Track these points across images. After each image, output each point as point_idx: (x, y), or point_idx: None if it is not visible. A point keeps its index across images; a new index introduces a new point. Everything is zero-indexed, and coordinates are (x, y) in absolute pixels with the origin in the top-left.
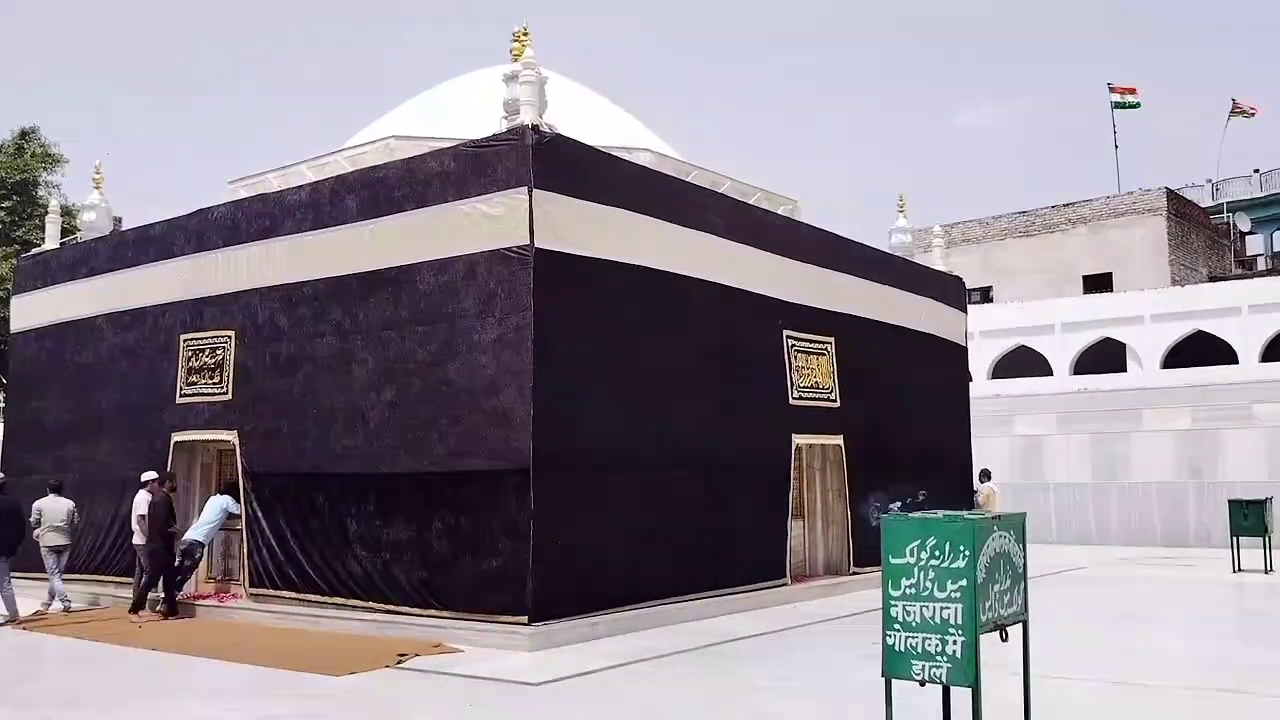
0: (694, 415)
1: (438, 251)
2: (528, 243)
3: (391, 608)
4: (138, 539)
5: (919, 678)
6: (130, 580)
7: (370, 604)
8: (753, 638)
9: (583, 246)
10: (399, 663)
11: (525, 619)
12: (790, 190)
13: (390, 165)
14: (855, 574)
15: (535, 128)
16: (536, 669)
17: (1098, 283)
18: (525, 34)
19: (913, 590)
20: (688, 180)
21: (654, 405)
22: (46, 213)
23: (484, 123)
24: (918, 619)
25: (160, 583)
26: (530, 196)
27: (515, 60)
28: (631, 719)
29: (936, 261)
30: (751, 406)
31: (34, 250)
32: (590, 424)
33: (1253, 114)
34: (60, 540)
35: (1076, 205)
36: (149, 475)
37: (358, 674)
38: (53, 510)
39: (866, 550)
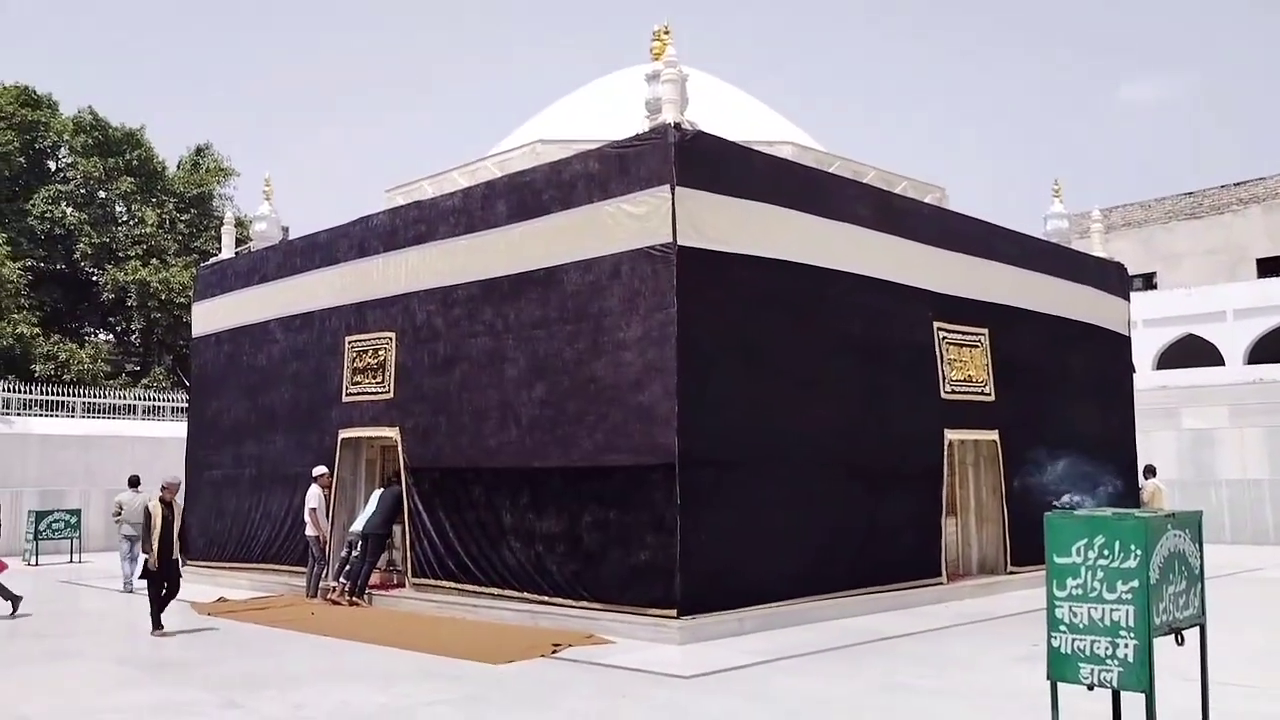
0: (840, 410)
1: (583, 252)
2: (670, 240)
3: (545, 598)
4: (309, 530)
5: (1087, 681)
6: (303, 569)
7: (524, 595)
8: (903, 636)
9: (725, 242)
10: (554, 652)
11: (674, 612)
12: (938, 178)
13: (536, 169)
14: (1012, 573)
15: (677, 126)
16: (686, 662)
17: (1274, 266)
18: (666, 32)
19: (1080, 591)
20: (830, 171)
21: (798, 401)
22: (221, 224)
23: (627, 123)
24: (1085, 621)
25: (342, 572)
26: (673, 194)
27: (656, 59)
28: (781, 714)
29: (1095, 247)
30: (901, 401)
31: (212, 260)
32: (735, 420)
33: None
34: (133, 531)
35: (1249, 184)
36: (319, 470)
37: (515, 662)
38: (131, 505)
39: (1024, 548)
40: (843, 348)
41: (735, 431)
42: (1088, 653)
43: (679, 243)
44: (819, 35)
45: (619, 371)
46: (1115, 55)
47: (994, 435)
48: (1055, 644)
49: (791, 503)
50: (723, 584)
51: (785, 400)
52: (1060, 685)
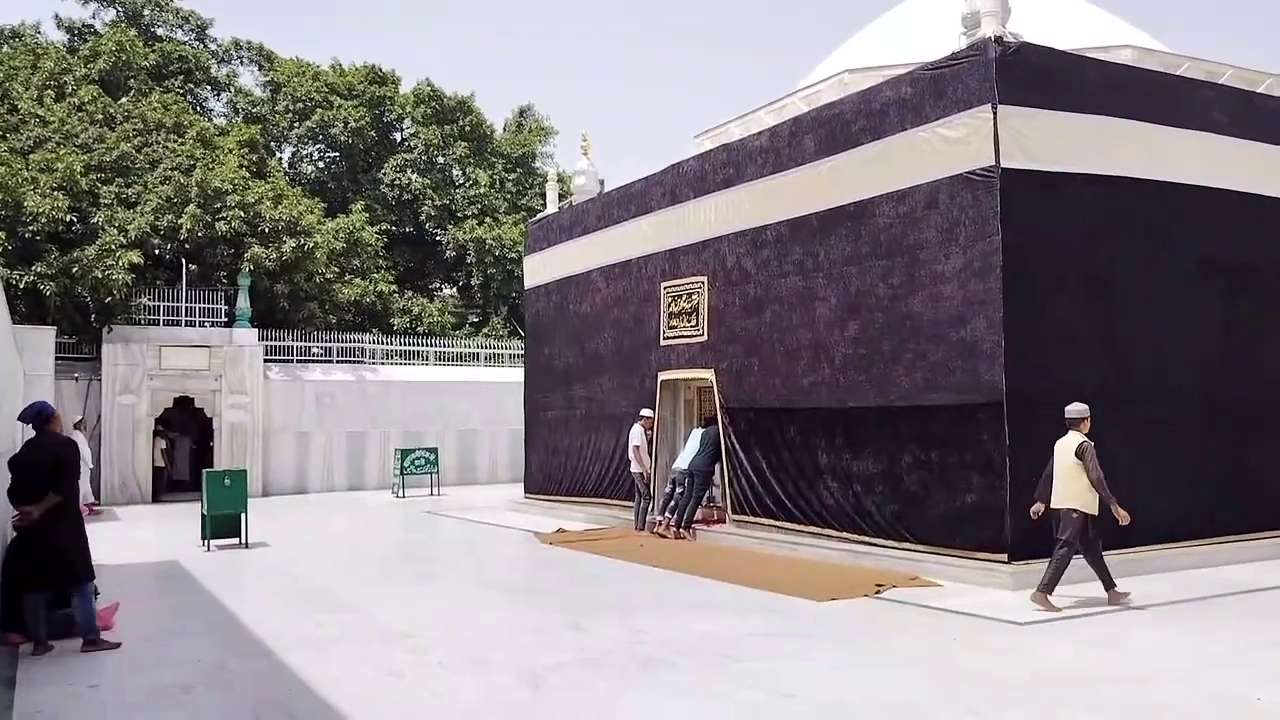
0: (1198, 343)
1: (896, 183)
2: (993, 164)
3: (865, 538)
4: (634, 467)
5: None
6: (631, 504)
7: (844, 534)
8: (1271, 590)
9: (1057, 162)
10: (878, 593)
11: (1005, 557)
12: None
13: (844, 100)
14: None
15: (998, 39)
16: (1021, 607)
17: None
18: None
19: None
20: (1179, 74)
21: (1146, 333)
22: (545, 181)
23: (941, 44)
24: None
25: (667, 507)
26: (995, 114)
27: None
28: (1135, 663)
29: None
30: (1271, 329)
31: (538, 215)
32: (1069, 356)
33: None
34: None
35: None
36: (645, 412)
37: (838, 600)
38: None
39: None
40: (1199, 272)
41: (1075, 368)
42: None
43: (1003, 165)
44: None
45: (938, 306)
46: None
47: None
48: None
49: (1143, 445)
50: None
51: (1136, 333)
52: None
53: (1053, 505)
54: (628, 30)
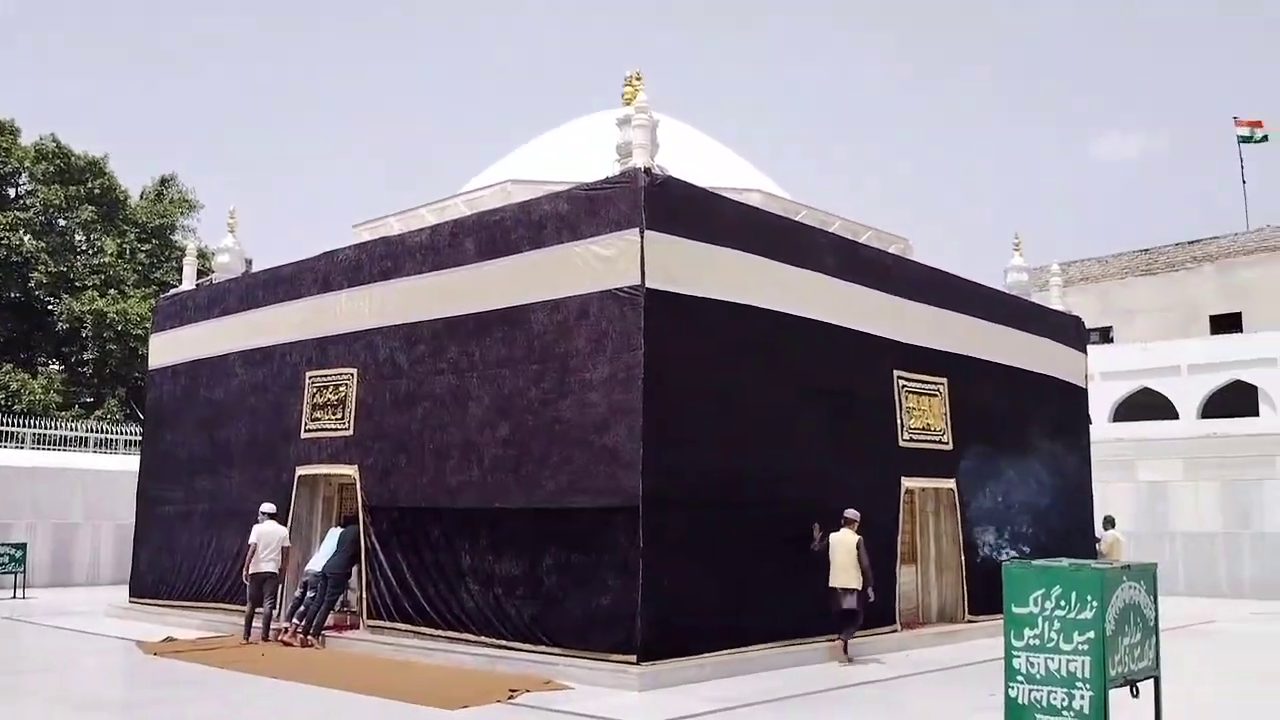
0: (802, 456)
1: (551, 292)
2: (639, 283)
3: (503, 642)
4: (266, 567)
5: None
6: (260, 610)
7: (482, 638)
8: (862, 685)
9: (693, 286)
10: (510, 698)
11: (634, 658)
12: (902, 229)
13: (506, 208)
14: (971, 621)
15: (647, 170)
16: (645, 709)
17: (1226, 323)
18: (638, 79)
19: (1037, 641)
20: (797, 220)
21: (761, 446)
22: (184, 255)
23: (598, 166)
24: (1042, 671)
25: (295, 612)
26: (642, 237)
27: (628, 104)
28: None
29: (1054, 301)
30: (861, 448)
31: (172, 291)
32: (698, 464)
33: None
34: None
35: (1203, 242)
36: (268, 507)
37: (470, 708)
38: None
39: (983, 597)
40: (807, 393)
41: (702, 475)
42: (1044, 703)
43: (647, 285)
44: (786, 83)
45: (584, 412)
46: (1089, 112)
47: (951, 484)
48: (1013, 694)
49: (755, 547)
50: (685, 629)
51: (753, 445)
52: None
53: (831, 585)
54: (292, 114)
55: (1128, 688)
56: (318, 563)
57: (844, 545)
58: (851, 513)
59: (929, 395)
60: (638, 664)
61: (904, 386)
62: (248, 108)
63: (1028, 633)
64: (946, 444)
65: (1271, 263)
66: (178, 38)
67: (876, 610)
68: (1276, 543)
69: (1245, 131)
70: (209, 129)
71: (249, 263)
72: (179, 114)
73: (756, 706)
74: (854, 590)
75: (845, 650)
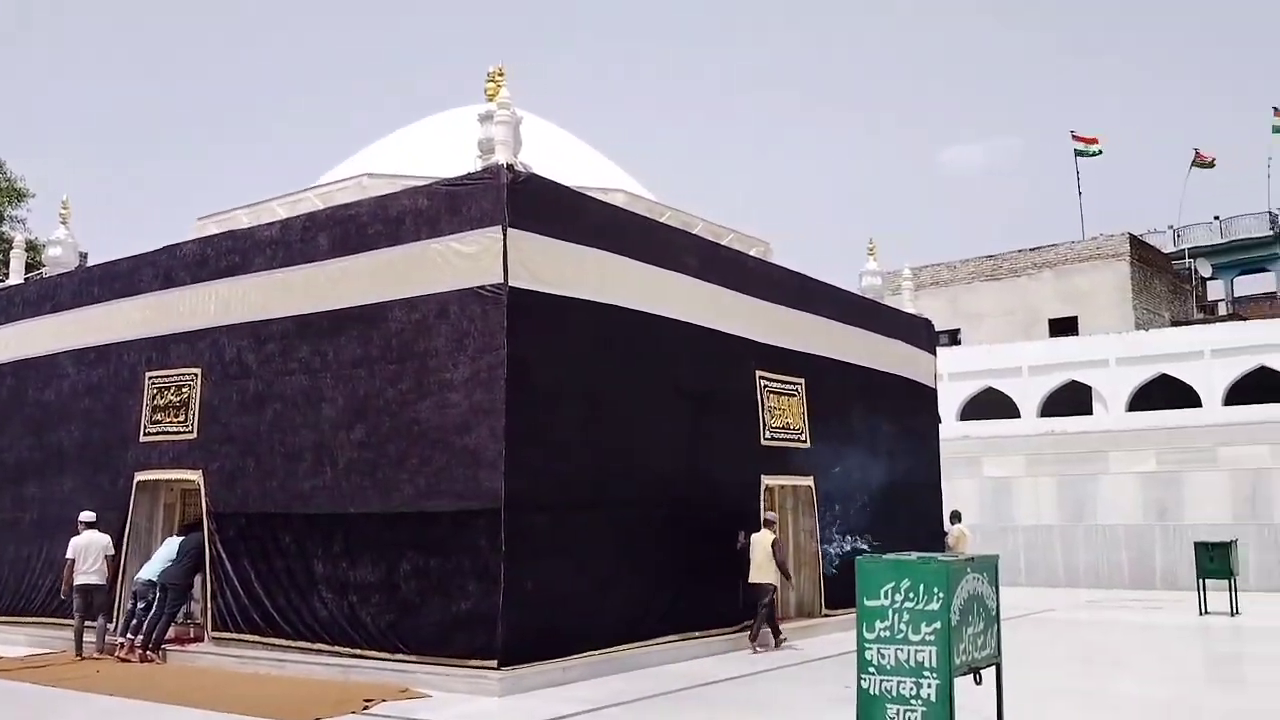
0: (666, 455)
1: (410, 290)
2: (501, 281)
3: (358, 651)
4: (93, 579)
5: None
6: (93, 624)
7: (336, 647)
8: (724, 682)
9: (556, 285)
10: (365, 709)
11: (495, 663)
12: (763, 232)
13: (362, 203)
14: (828, 615)
15: (510, 167)
16: (505, 715)
17: (1063, 326)
18: (500, 74)
19: (887, 633)
20: (661, 221)
21: (626, 445)
22: (10, 248)
23: (459, 162)
24: (892, 662)
25: (129, 625)
26: (505, 235)
27: (490, 100)
28: None
29: (906, 304)
30: (723, 447)
31: None
32: (562, 464)
33: (1213, 165)
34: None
35: (1043, 249)
36: (86, 516)
37: None
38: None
39: (839, 592)
40: (671, 393)
41: (566, 476)
42: (894, 693)
43: (510, 283)
44: (652, 85)
45: (445, 413)
46: (941, 120)
47: (809, 481)
48: (864, 685)
49: (617, 548)
50: (547, 632)
51: (617, 445)
52: None
53: (751, 581)
54: (134, 98)
55: (971, 676)
56: (150, 571)
57: (761, 545)
58: (770, 515)
59: (789, 395)
60: (498, 669)
61: (766, 386)
62: (84, 89)
63: (879, 625)
64: (805, 442)
65: (1104, 269)
66: (4, 7)
67: (739, 607)
68: (1108, 534)
69: (1081, 145)
70: (38, 110)
71: (84, 256)
72: (4, 93)
73: (619, 707)
74: (770, 585)
75: (754, 639)
